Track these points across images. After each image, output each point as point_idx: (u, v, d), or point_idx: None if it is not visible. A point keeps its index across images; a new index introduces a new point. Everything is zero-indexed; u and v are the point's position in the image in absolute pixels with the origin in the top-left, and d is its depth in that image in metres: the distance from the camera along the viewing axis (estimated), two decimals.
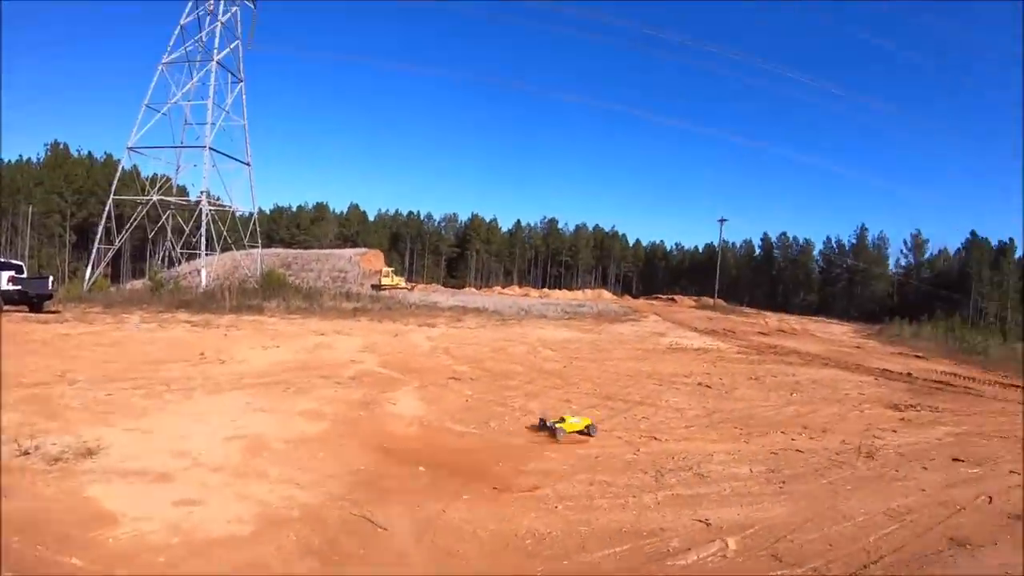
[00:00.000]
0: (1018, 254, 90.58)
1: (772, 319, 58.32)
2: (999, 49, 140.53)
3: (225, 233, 43.83)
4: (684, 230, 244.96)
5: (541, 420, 9.66)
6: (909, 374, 21.31)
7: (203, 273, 41.29)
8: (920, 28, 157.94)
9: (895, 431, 11.50)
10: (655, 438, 9.64)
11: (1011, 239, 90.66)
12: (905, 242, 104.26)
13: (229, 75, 44.91)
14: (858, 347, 34.82)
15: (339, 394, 11.38)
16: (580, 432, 9.30)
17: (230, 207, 45.92)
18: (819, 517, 6.53)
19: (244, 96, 45.45)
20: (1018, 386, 19.74)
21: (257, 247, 48.58)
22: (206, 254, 42.70)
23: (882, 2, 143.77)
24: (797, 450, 9.47)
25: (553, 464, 8.01)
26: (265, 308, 27.21)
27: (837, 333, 48.98)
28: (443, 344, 20.03)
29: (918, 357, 29.60)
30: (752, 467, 8.33)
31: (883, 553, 5.62)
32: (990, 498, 7.60)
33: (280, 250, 67.53)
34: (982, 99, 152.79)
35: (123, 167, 45.47)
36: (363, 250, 66.50)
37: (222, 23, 43.58)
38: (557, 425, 9.18)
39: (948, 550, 5.80)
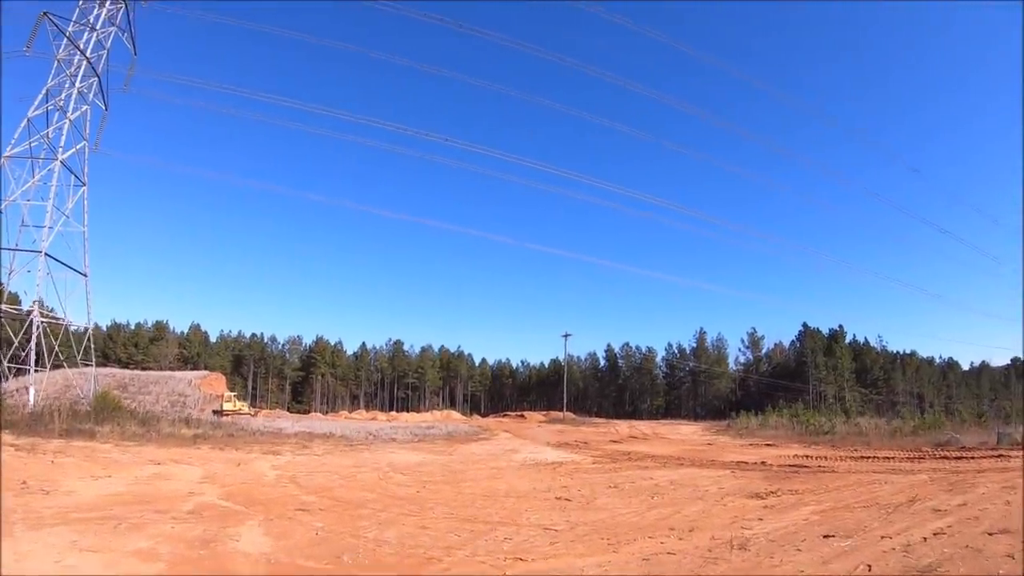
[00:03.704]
0: (848, 339, 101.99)
1: (623, 426, 60.12)
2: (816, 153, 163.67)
3: (57, 349, 40.10)
4: (529, 347, 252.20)
5: None
6: (763, 462, 22.44)
7: (31, 392, 37.56)
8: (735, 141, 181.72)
9: (761, 519, 11.73)
10: (520, 559, 9.03)
11: (840, 326, 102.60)
12: (742, 340, 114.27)
13: (72, 177, 42.52)
14: (710, 444, 36.56)
15: (176, 530, 10.16)
16: None
17: (64, 320, 42.45)
18: None
19: (86, 201, 43.06)
20: (868, 458, 21.37)
21: (91, 365, 44.68)
22: (35, 370, 38.74)
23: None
24: (668, 552, 9.24)
25: None
26: (97, 433, 25.24)
27: (687, 433, 51.46)
28: (289, 472, 18.81)
29: (768, 445, 31.51)
30: None
31: None
32: (869, 566, 7.76)
33: (116, 370, 62.78)
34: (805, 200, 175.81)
35: None
36: (204, 373, 63.06)
37: (70, 120, 41.67)
38: None
39: None
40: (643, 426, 62.29)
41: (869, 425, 38.98)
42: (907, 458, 22.48)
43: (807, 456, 24.51)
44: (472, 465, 23.69)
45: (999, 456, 21.28)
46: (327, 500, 14.28)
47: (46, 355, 39.25)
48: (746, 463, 22.72)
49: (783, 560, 8.40)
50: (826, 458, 23.39)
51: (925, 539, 9.33)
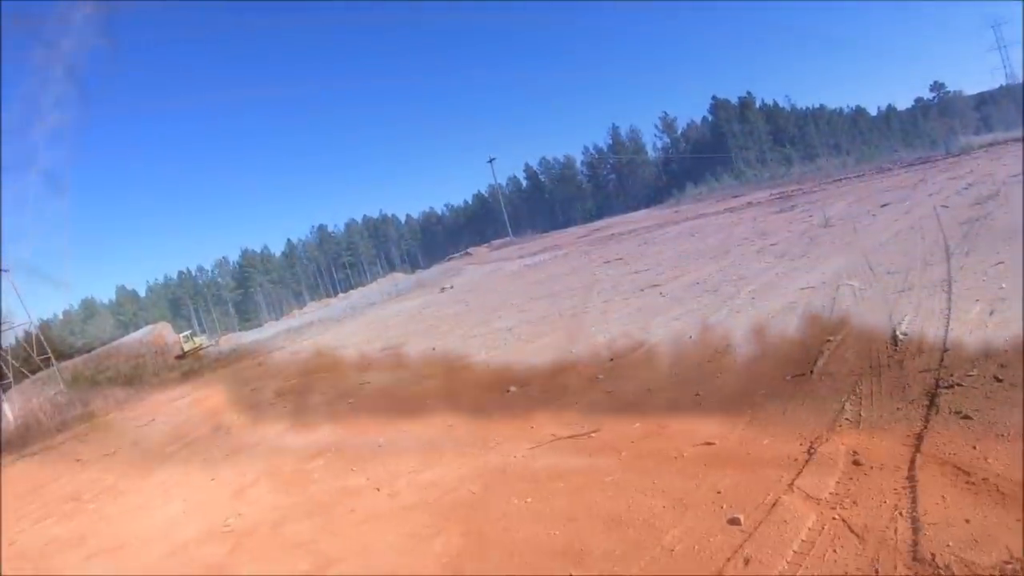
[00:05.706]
0: (758, 103, 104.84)
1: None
2: None
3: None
4: (452, 188, 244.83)
5: None
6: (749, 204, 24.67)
7: (5, 407, 35.97)
8: None
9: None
10: None
11: (748, 92, 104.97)
12: (656, 126, 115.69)
13: None
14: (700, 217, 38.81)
15: None
16: None
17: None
18: None
19: None
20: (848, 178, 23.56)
21: (53, 364, 44.85)
22: None
23: None
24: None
25: None
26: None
27: (639, 218, 53.49)
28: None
29: (734, 197, 34.04)
30: None
31: None
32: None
33: (70, 362, 60.26)
34: None
35: None
36: (148, 329, 61.61)
37: None
38: None
39: None
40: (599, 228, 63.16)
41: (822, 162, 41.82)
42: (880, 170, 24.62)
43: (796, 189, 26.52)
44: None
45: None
46: None
47: None
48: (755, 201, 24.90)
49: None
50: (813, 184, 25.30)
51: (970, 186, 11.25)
